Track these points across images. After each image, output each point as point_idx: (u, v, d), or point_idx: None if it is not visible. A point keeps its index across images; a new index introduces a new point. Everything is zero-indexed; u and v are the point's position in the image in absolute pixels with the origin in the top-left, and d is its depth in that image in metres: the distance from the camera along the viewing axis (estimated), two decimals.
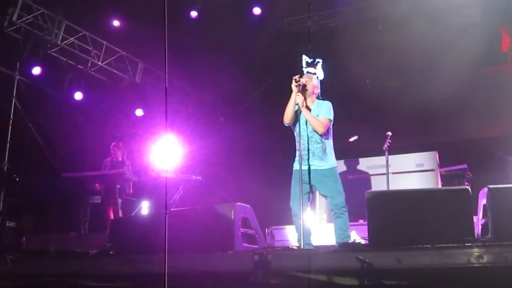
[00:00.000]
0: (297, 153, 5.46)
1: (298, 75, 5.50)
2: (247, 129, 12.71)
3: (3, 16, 9.21)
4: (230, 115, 13.41)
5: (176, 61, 10.48)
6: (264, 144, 11.76)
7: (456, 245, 3.84)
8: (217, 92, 12.79)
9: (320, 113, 5.48)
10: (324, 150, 5.42)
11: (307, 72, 5.66)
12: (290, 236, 8.06)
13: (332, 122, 5.53)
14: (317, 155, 5.40)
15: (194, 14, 11.29)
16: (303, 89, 5.45)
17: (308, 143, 5.40)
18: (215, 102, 13.10)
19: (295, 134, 5.56)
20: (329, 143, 5.50)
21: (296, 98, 5.41)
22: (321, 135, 5.43)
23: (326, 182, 5.39)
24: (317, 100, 5.65)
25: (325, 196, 5.59)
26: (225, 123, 13.26)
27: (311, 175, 5.32)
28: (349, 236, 5.31)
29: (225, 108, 13.30)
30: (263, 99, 12.43)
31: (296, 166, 5.47)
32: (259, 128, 12.31)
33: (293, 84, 5.42)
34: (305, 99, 5.49)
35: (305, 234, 5.16)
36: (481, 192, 4.90)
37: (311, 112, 5.48)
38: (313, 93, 5.60)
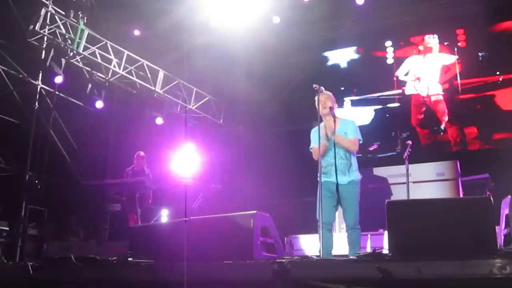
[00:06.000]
0: (323, 169, 5.59)
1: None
2: (266, 138, 12.72)
3: (26, 26, 9.35)
4: (249, 123, 13.43)
5: (196, 69, 10.56)
6: (283, 152, 11.75)
7: (478, 255, 3.79)
8: (237, 100, 12.84)
9: (348, 133, 5.63)
10: (349, 166, 5.58)
11: (324, 91, 5.71)
12: (309, 245, 8.03)
13: (361, 141, 5.71)
14: (340, 170, 5.53)
15: (213, 23, 11.35)
16: (324, 110, 5.59)
17: (335, 159, 5.51)
18: (234, 110, 13.14)
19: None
20: (354, 160, 5.66)
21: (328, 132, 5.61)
22: (346, 152, 5.58)
23: (345, 195, 5.54)
24: (341, 118, 5.79)
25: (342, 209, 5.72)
26: (244, 131, 13.28)
27: (334, 189, 5.51)
28: (357, 254, 5.33)
29: (244, 117, 13.32)
30: (282, 107, 12.44)
31: (322, 178, 5.59)
32: (278, 137, 12.31)
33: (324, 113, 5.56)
34: (334, 119, 5.61)
35: (327, 246, 5.28)
36: (503, 201, 4.84)
37: (337, 130, 5.58)
38: (334, 108, 5.69)
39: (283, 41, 11.75)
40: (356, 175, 5.62)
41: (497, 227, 4.64)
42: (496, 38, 10.92)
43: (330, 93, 5.76)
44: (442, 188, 8.29)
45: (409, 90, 11.56)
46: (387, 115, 11.73)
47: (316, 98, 5.54)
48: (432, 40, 11.49)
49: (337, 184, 5.50)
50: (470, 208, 4.36)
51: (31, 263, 5.37)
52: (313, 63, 12.24)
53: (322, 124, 5.64)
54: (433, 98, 11.24)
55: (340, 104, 11.67)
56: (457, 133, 10.86)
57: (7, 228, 8.73)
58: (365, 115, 11.76)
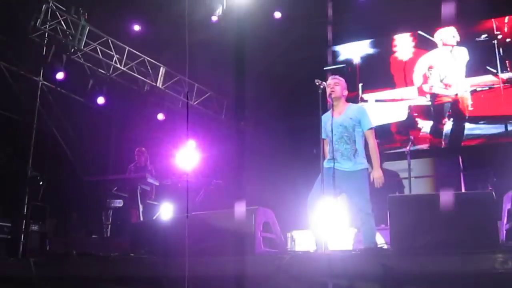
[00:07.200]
0: (329, 155, 5.39)
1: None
2: (268, 133, 12.70)
3: (27, 22, 9.34)
4: (251, 119, 13.42)
5: (197, 65, 10.53)
6: (285, 148, 11.73)
7: (479, 250, 3.79)
8: (238, 96, 12.82)
9: (362, 123, 5.41)
10: (355, 152, 5.33)
11: (333, 75, 5.63)
12: (312, 240, 8.03)
13: (373, 127, 5.50)
14: (346, 156, 5.31)
15: (214, 18, 11.34)
16: (330, 95, 5.44)
17: (339, 144, 5.33)
18: (236, 106, 13.12)
19: (325, 136, 5.49)
20: (361, 145, 5.40)
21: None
22: (351, 136, 5.36)
23: (352, 182, 5.27)
24: (349, 104, 5.64)
25: (350, 199, 5.46)
26: (246, 127, 13.27)
27: (339, 176, 5.21)
28: (374, 243, 5.17)
29: (246, 112, 13.31)
30: (284, 103, 12.42)
31: (326, 164, 5.34)
32: (280, 132, 12.29)
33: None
34: (333, 104, 5.47)
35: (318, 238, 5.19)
36: (505, 196, 4.83)
37: (343, 115, 5.43)
38: (343, 95, 5.57)
39: (285, 36, 11.71)
40: (363, 163, 5.34)
41: (499, 222, 4.63)
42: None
43: (342, 79, 5.57)
44: (443, 183, 8.28)
45: (436, 89, 10.66)
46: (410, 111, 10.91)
47: (322, 87, 5.35)
48: (453, 32, 10.68)
49: (343, 172, 5.24)
50: (472, 202, 4.35)
51: (34, 259, 5.38)
52: (318, 58, 12.11)
53: (328, 113, 5.46)
54: (460, 95, 10.41)
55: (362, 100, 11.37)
56: (459, 128, 10.61)
57: (9, 224, 8.75)
58: (398, 111, 10.86)
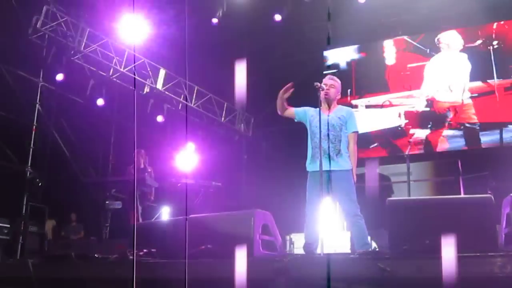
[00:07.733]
0: (311, 152, 5.37)
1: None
2: (267, 135, 12.71)
3: (27, 23, 9.35)
4: (250, 121, 13.43)
5: (197, 67, 10.55)
6: (284, 150, 11.74)
7: (478, 254, 3.79)
8: (238, 98, 12.83)
9: (348, 125, 5.39)
10: (338, 152, 5.27)
11: (331, 76, 5.64)
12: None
13: (358, 132, 5.48)
14: (328, 155, 5.21)
15: (215, 21, 11.36)
16: (323, 95, 5.42)
17: (327, 141, 5.27)
18: (235, 108, 13.14)
19: (309, 132, 5.53)
20: (344, 146, 5.34)
21: None
22: (337, 136, 5.31)
23: (338, 183, 5.20)
24: (339, 105, 5.62)
25: (338, 202, 5.38)
26: (245, 129, 13.28)
27: (325, 179, 5.12)
28: (368, 243, 5.13)
29: (245, 114, 13.32)
30: None
31: (310, 167, 5.34)
32: (279, 134, 12.30)
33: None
34: (329, 106, 5.47)
35: (312, 242, 5.16)
36: (504, 200, 4.83)
37: (333, 114, 5.41)
38: (335, 98, 5.57)
39: (285, 39, 11.73)
40: (347, 163, 5.25)
41: (498, 226, 4.63)
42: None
43: (338, 81, 5.58)
44: (442, 186, 8.28)
45: (437, 95, 10.48)
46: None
47: (321, 90, 5.34)
48: (456, 36, 10.57)
49: (327, 172, 5.12)
50: (471, 207, 4.36)
51: (32, 261, 5.37)
52: (315, 61, 12.14)
53: (315, 109, 5.45)
54: (458, 101, 10.27)
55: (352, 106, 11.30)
56: (458, 134, 10.54)
57: (8, 225, 8.75)
58: (391, 117, 10.60)
